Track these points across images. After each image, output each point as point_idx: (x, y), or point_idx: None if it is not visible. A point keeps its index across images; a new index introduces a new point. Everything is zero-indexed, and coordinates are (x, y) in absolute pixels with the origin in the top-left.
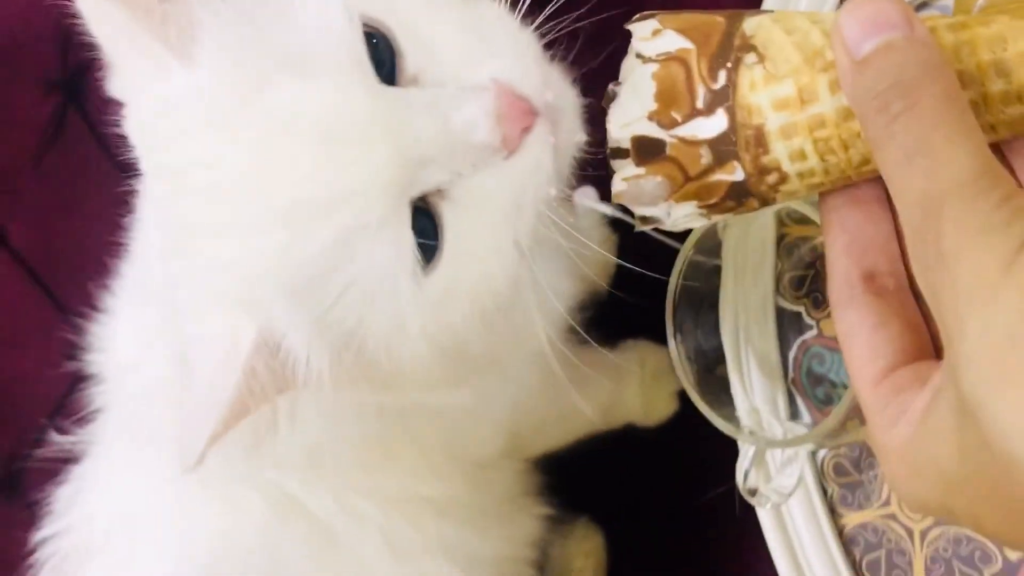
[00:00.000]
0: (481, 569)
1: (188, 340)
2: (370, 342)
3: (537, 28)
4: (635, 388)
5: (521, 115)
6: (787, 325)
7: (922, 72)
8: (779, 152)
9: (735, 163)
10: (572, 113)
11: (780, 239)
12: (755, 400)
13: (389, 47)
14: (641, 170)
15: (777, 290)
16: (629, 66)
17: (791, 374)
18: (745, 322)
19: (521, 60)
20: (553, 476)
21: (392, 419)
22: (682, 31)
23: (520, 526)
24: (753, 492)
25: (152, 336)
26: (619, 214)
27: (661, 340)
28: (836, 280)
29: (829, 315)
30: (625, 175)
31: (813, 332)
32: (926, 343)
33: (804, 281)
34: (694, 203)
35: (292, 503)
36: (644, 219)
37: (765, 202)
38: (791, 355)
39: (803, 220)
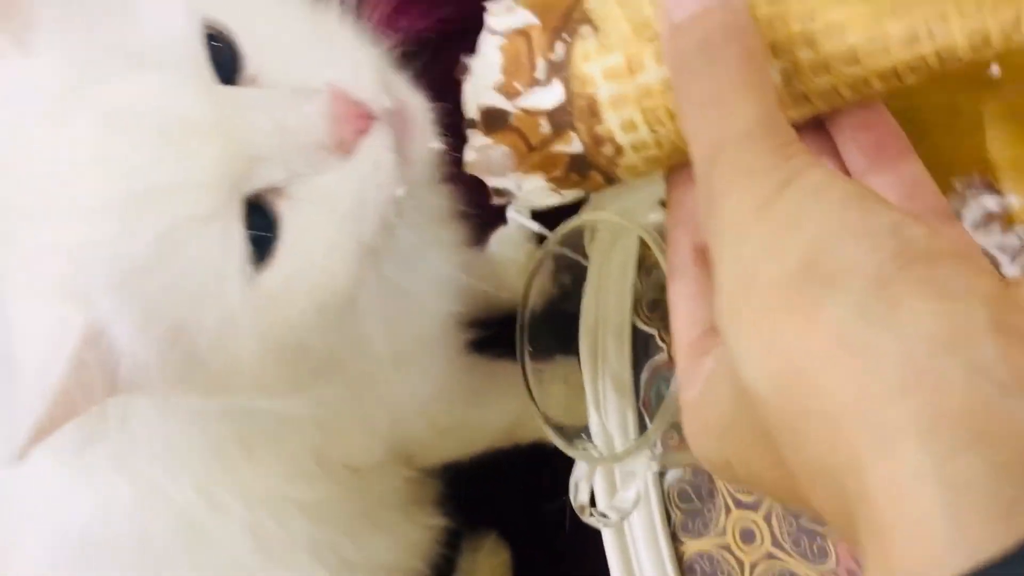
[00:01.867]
0: (355, 574)
1: (15, 329)
2: (199, 340)
3: (389, 39)
4: None
5: (355, 118)
6: (640, 346)
7: (725, 34)
8: (611, 122)
9: (572, 133)
10: (421, 119)
11: (641, 261)
12: (607, 419)
13: (231, 50)
14: (488, 140)
15: (634, 310)
16: (483, 40)
17: (642, 395)
18: (603, 340)
19: (358, 67)
20: (455, 487)
21: (245, 421)
22: (532, 7)
23: (405, 535)
24: (583, 509)
25: None
26: (545, 231)
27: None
28: (671, 253)
29: None
30: (474, 145)
31: (663, 355)
32: None
33: (659, 304)
34: (541, 176)
35: (157, 492)
36: (498, 192)
37: (609, 178)
38: (643, 376)
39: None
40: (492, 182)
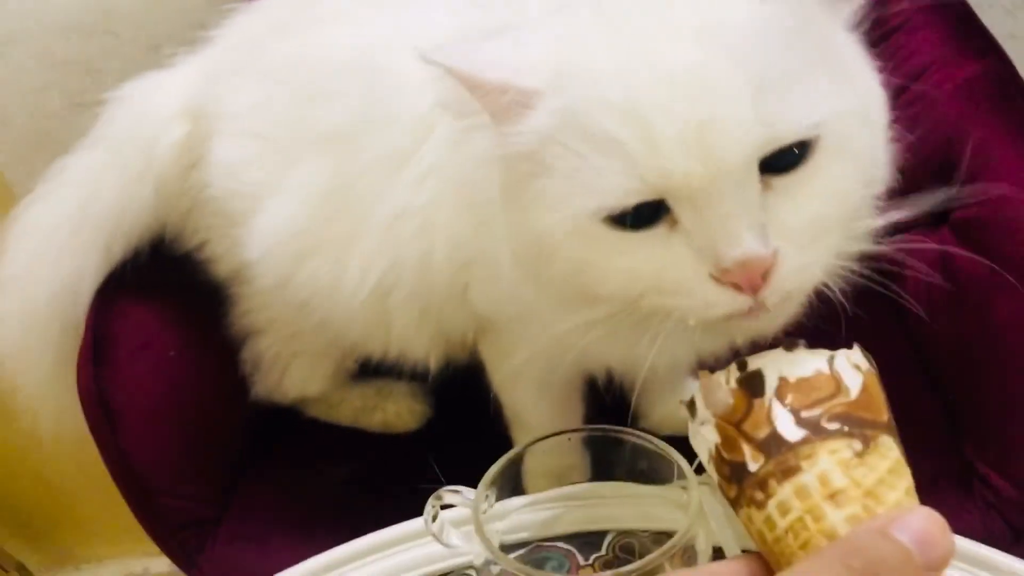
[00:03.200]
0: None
1: (504, 43)
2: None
3: None
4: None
5: (753, 277)
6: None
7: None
8: (783, 494)
9: (765, 458)
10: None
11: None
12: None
13: (794, 156)
14: (732, 387)
15: None
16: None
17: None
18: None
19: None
20: None
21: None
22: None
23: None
24: None
25: None
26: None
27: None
28: None
29: None
30: (717, 383)
31: None
32: None
33: None
34: (718, 440)
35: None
36: (690, 404)
37: (734, 504)
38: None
39: None
40: (701, 405)
